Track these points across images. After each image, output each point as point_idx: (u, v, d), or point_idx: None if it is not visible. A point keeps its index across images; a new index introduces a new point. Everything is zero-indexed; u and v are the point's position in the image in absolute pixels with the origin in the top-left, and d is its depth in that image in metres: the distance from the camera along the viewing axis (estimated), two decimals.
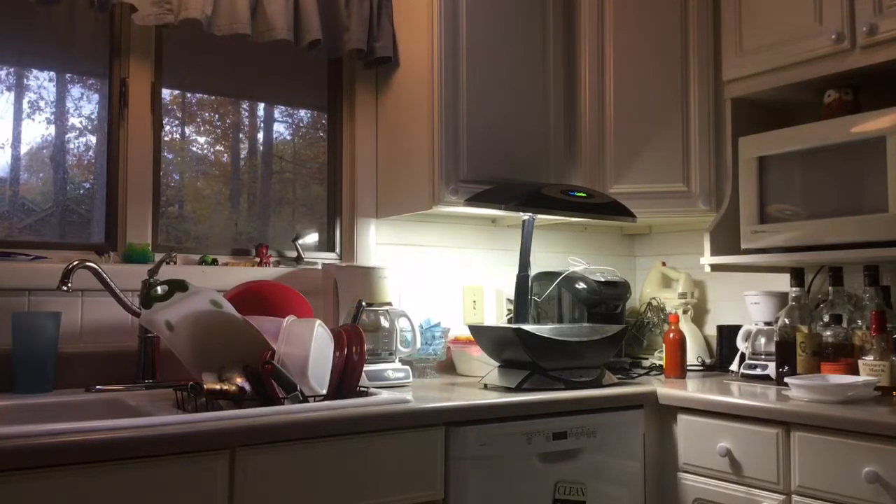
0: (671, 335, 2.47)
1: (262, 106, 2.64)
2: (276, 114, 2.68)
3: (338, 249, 2.59)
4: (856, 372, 2.06)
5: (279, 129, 2.71)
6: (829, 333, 2.18)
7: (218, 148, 2.54)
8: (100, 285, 1.96)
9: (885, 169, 1.95)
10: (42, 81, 2.24)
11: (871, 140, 1.99)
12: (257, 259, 2.38)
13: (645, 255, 3.07)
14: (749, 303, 2.49)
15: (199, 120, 2.52)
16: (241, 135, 2.62)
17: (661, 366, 2.53)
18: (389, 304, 2.27)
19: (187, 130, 2.45)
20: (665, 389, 2.18)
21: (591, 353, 2.20)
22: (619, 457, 2.09)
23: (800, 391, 1.96)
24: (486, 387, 2.14)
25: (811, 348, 2.17)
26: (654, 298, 2.87)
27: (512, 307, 2.44)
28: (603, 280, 2.54)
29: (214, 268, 2.27)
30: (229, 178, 2.56)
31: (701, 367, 2.66)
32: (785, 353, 2.22)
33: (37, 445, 1.31)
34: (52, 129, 2.23)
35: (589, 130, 2.54)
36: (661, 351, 2.55)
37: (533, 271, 2.48)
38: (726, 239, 2.37)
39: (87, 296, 2.05)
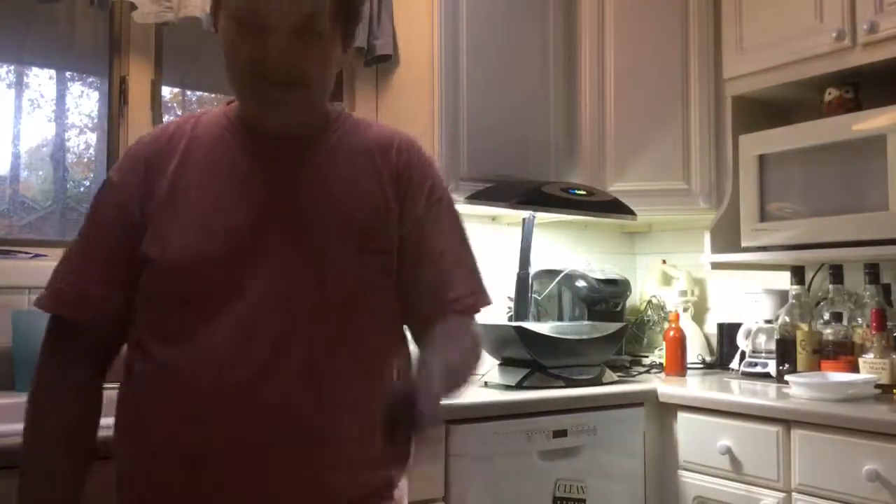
0: (671, 333, 2.47)
1: None
2: None
3: None
4: (856, 370, 2.06)
5: None
6: (829, 331, 2.18)
7: None
8: None
9: (885, 167, 1.95)
10: (42, 79, 2.24)
11: (872, 138, 1.99)
12: None
13: (645, 253, 3.06)
14: (749, 301, 2.49)
15: None
16: None
17: (661, 364, 2.53)
18: None
19: None
20: (665, 387, 2.18)
21: (591, 350, 2.20)
22: (620, 455, 2.09)
23: (800, 389, 1.95)
24: (486, 384, 2.14)
25: (811, 346, 2.17)
26: (654, 296, 2.87)
27: (512, 305, 2.44)
28: (603, 278, 2.54)
29: None
30: None
31: (701, 365, 2.66)
32: (785, 351, 2.22)
33: None
34: (52, 127, 2.23)
35: (589, 128, 2.53)
36: (662, 349, 2.55)
37: (533, 269, 2.48)
38: (727, 237, 2.37)
39: None
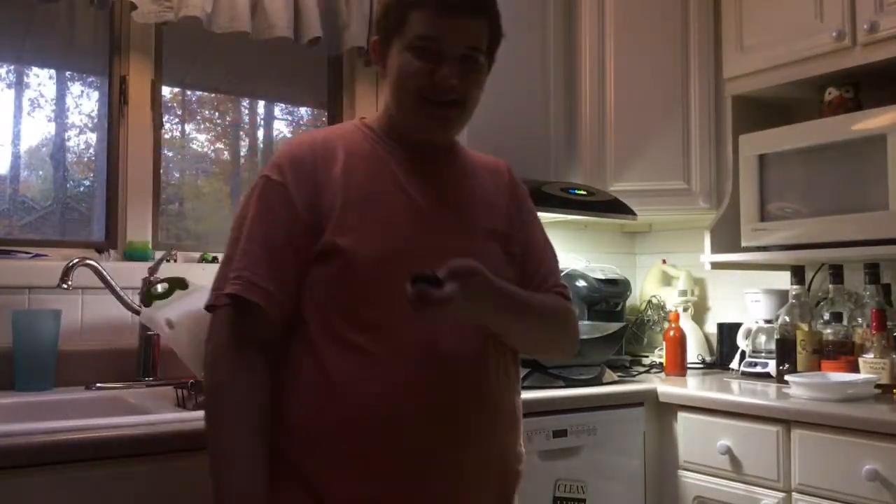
0: (671, 333, 2.47)
1: (262, 103, 2.64)
2: (277, 111, 2.68)
3: None
4: (856, 370, 2.06)
5: (279, 126, 2.71)
6: (829, 331, 2.18)
7: (218, 146, 2.54)
8: (100, 283, 1.96)
9: (885, 167, 1.95)
10: (42, 79, 2.24)
11: (872, 138, 1.99)
12: None
13: (645, 253, 3.06)
14: (749, 300, 2.49)
15: (199, 118, 2.52)
16: (240, 132, 2.62)
17: (661, 363, 2.53)
18: None
19: (187, 128, 2.45)
20: (665, 387, 2.18)
21: (591, 350, 2.20)
22: (620, 455, 2.09)
23: (800, 389, 1.96)
24: None
25: (811, 346, 2.17)
26: (654, 296, 2.87)
27: None
28: (603, 278, 2.54)
29: (215, 266, 2.24)
30: (229, 176, 2.56)
31: (701, 365, 2.66)
32: (785, 351, 2.22)
33: (37, 443, 1.32)
34: (52, 127, 2.23)
35: (589, 128, 2.53)
36: (662, 349, 2.55)
37: None
38: (727, 237, 2.37)
39: (87, 294, 2.05)
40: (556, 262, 1.47)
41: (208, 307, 1.26)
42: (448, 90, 1.25)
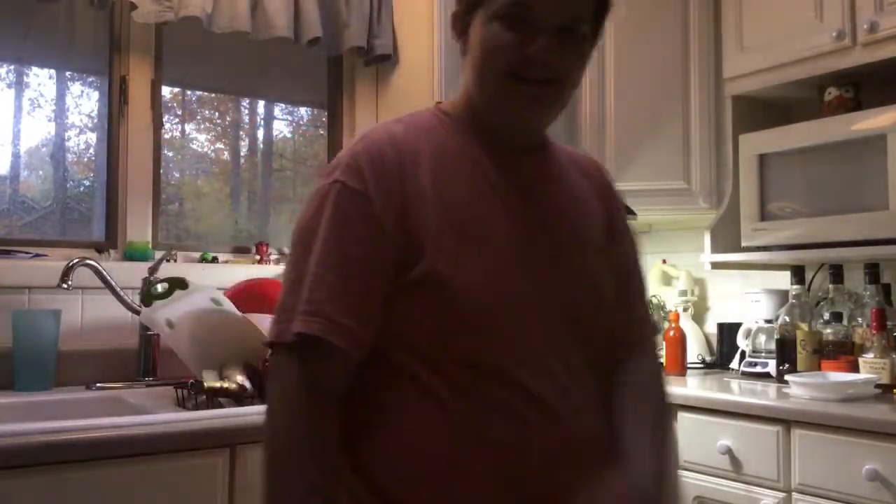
0: (671, 333, 2.46)
1: (262, 103, 2.64)
2: (277, 111, 2.68)
3: None
4: (856, 370, 2.06)
5: (279, 126, 2.71)
6: (829, 331, 2.18)
7: (218, 146, 2.54)
8: (100, 283, 1.96)
9: (885, 166, 1.95)
10: (42, 79, 2.24)
11: (872, 138, 1.99)
12: (257, 257, 2.38)
13: (645, 253, 3.06)
14: (750, 300, 2.48)
15: (199, 117, 2.52)
16: (241, 132, 2.62)
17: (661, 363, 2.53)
18: None
19: (187, 128, 2.45)
20: None
21: None
22: None
23: (800, 389, 1.95)
24: None
25: (812, 346, 2.17)
26: (654, 296, 2.87)
27: None
28: None
29: (215, 266, 2.27)
30: (229, 176, 2.56)
31: (701, 365, 2.66)
32: (785, 351, 2.22)
33: (37, 443, 1.32)
34: (52, 127, 2.23)
35: (589, 128, 2.53)
36: (662, 349, 2.55)
37: None
38: (727, 237, 2.37)
39: (87, 294, 2.05)
40: (644, 283, 1.25)
41: (270, 343, 1.00)
42: (543, 65, 1.01)
